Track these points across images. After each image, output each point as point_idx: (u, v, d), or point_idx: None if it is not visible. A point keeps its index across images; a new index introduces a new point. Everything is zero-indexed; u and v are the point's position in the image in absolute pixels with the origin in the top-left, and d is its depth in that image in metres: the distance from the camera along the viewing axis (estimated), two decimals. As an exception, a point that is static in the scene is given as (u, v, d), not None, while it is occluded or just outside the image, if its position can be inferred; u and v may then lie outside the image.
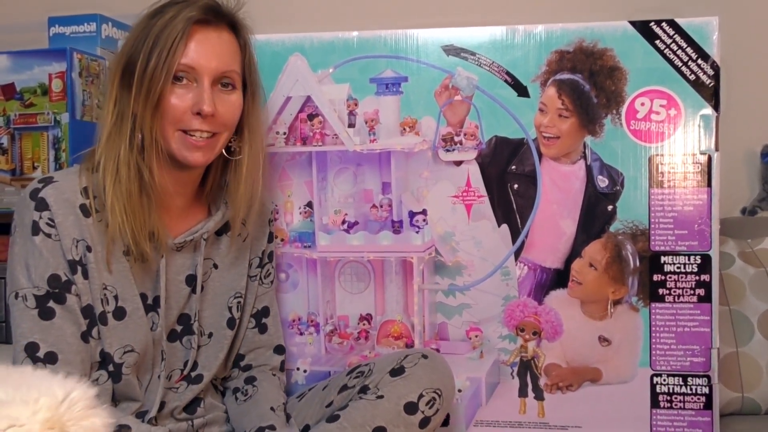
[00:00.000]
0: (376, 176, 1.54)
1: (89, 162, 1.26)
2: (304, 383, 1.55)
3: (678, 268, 1.45)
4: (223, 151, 1.30)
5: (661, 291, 1.46)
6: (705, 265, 1.44)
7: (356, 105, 1.51)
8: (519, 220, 1.50)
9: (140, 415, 1.28)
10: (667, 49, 1.44)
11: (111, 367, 1.25)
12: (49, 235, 1.20)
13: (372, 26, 1.54)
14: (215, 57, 1.24)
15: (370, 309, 1.57)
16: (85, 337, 1.23)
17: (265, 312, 1.45)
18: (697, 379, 1.46)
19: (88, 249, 1.22)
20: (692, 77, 1.44)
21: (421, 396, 1.28)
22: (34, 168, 1.77)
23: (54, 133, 1.75)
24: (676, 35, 1.43)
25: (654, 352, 1.47)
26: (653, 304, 1.47)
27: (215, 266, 1.37)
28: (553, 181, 1.49)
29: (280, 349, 1.46)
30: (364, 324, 1.56)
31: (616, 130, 1.46)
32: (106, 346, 1.24)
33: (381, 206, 1.54)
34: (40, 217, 1.20)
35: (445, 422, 1.46)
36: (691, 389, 1.46)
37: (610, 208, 1.47)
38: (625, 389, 1.48)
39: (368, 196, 1.55)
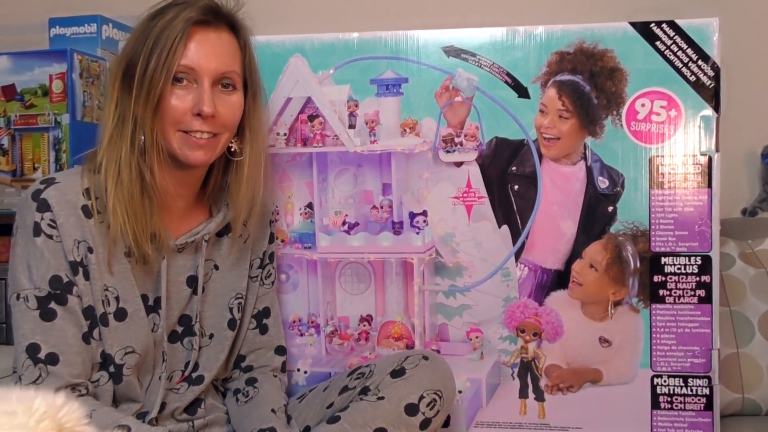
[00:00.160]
0: (376, 177, 1.55)
1: (91, 163, 1.26)
2: (304, 384, 1.55)
3: (678, 269, 1.45)
4: (225, 152, 1.31)
5: (661, 292, 1.46)
6: (705, 266, 1.45)
7: (357, 106, 1.51)
8: (519, 221, 1.50)
9: (141, 416, 1.28)
10: (667, 50, 1.44)
11: (112, 368, 1.25)
12: (50, 236, 1.20)
13: (372, 27, 1.54)
14: (215, 57, 1.24)
15: (371, 310, 1.57)
16: (86, 338, 1.23)
17: (266, 313, 1.45)
18: (697, 380, 1.46)
19: (90, 250, 1.22)
20: (692, 78, 1.44)
21: (422, 397, 1.28)
22: (35, 169, 1.77)
23: (54, 134, 1.75)
24: (676, 36, 1.43)
25: (654, 353, 1.47)
26: (654, 305, 1.47)
27: (216, 267, 1.37)
28: (554, 182, 1.49)
29: (281, 350, 1.46)
30: (364, 325, 1.56)
31: (616, 131, 1.46)
32: (107, 347, 1.24)
33: (381, 207, 1.54)
34: (42, 218, 1.20)
35: (446, 423, 1.46)
36: (691, 390, 1.46)
37: (610, 209, 1.47)
38: (625, 390, 1.48)
39: (369, 197, 1.55)
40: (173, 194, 1.29)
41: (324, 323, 1.57)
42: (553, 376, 1.50)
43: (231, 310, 1.38)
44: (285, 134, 1.54)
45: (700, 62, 1.43)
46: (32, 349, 1.18)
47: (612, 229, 1.47)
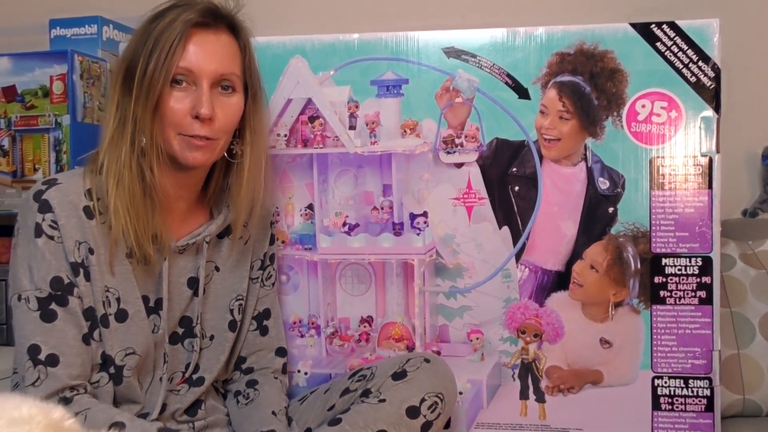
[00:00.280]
0: (376, 178, 1.55)
1: (93, 164, 1.26)
2: (304, 385, 1.55)
3: (679, 270, 1.45)
4: (225, 153, 1.31)
5: (662, 293, 1.46)
6: (706, 267, 1.44)
7: (357, 107, 1.51)
8: (520, 222, 1.50)
9: (141, 417, 1.28)
10: (667, 51, 1.44)
11: (112, 370, 1.25)
12: (51, 237, 1.20)
13: (373, 28, 1.54)
14: (214, 59, 1.24)
15: (371, 311, 1.57)
16: (87, 339, 1.23)
17: (266, 314, 1.45)
18: (698, 381, 1.46)
19: (90, 251, 1.22)
20: (693, 79, 1.44)
21: (423, 400, 1.28)
22: (35, 170, 1.77)
23: (55, 135, 1.75)
24: (676, 37, 1.43)
25: (655, 355, 1.47)
26: (654, 306, 1.47)
27: (217, 269, 1.37)
28: (554, 183, 1.49)
29: (281, 352, 1.46)
30: (365, 326, 1.56)
31: (616, 132, 1.46)
32: (108, 349, 1.24)
33: (382, 208, 1.54)
34: (43, 219, 1.20)
35: (447, 425, 1.46)
36: (692, 391, 1.46)
37: (611, 210, 1.47)
38: (626, 391, 1.48)
39: (369, 198, 1.55)
40: (174, 196, 1.29)
41: (324, 324, 1.57)
42: (554, 377, 1.50)
43: (231, 311, 1.38)
44: (285, 135, 1.54)
45: (700, 63, 1.43)
46: (33, 351, 1.18)
47: (612, 230, 1.47)
